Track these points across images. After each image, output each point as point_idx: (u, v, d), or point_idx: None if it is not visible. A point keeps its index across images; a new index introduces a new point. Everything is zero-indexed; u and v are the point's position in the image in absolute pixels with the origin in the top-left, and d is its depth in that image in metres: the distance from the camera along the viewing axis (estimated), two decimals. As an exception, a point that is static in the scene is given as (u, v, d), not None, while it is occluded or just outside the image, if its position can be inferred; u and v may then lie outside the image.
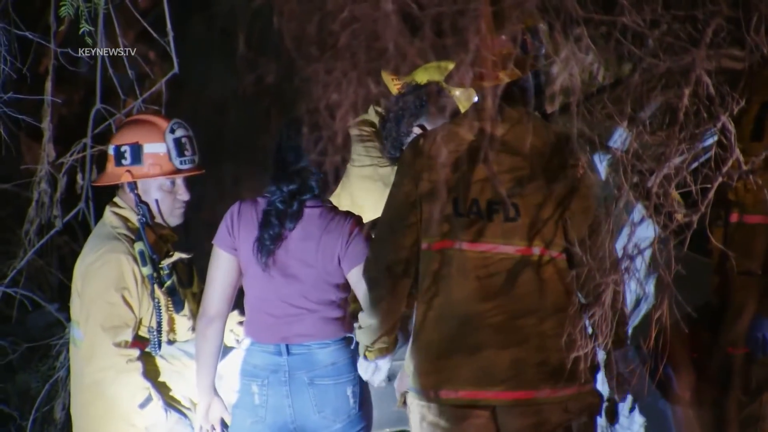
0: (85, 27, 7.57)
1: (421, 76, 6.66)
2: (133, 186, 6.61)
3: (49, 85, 8.66)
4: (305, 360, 6.35)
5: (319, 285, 6.36)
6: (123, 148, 6.64)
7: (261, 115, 7.60)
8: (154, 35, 7.79)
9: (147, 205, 6.61)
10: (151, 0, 8.24)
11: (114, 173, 6.65)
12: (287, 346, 6.33)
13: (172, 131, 6.64)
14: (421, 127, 6.31)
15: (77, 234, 8.58)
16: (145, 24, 7.93)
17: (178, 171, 6.63)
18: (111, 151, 6.70)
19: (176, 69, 7.67)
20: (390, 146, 6.77)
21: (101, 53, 7.78)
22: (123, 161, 6.62)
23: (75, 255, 6.90)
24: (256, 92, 7.77)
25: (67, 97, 9.20)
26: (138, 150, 6.61)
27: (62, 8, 7.54)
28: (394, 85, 6.70)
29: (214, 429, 6.46)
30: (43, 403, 8.42)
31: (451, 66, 6.19)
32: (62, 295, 7.86)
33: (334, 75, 6.09)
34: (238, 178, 7.03)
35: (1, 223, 9.53)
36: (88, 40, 7.67)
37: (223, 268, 6.33)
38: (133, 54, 8.07)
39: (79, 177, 8.34)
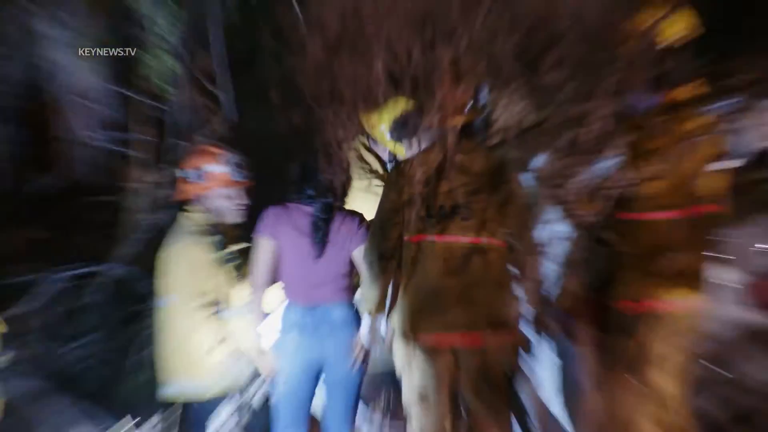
0: (164, 86, 7.60)
1: (384, 116, 6.64)
2: (201, 197, 6.52)
3: (139, 127, 8.60)
4: (325, 317, 6.32)
5: (336, 263, 6.34)
6: (190, 171, 6.56)
7: (289, 146, 7.59)
8: (213, 90, 7.72)
9: (212, 211, 6.52)
10: (210, 66, 8.19)
11: (186, 189, 6.57)
12: (313, 307, 6.31)
13: (226, 155, 6.58)
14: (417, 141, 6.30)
15: (162, 231, 8.52)
16: (207, 83, 7.88)
17: (232, 182, 6.54)
18: (182, 174, 6.61)
19: (228, 114, 7.61)
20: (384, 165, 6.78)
21: (176, 103, 7.75)
22: (191, 180, 6.54)
23: (157, 247, 6.85)
24: (286, 130, 7.75)
25: (152, 135, 9.10)
26: (200, 171, 6.52)
27: (150, 73, 7.57)
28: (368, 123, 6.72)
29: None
30: (138, 350, 8.35)
31: (405, 102, 6.24)
32: (151, 274, 7.76)
33: (340, 117, 6.12)
34: (273, 192, 7.02)
35: (107, 223, 9.44)
36: (166, 95, 7.65)
37: (265, 253, 6.31)
38: (198, 102, 8.04)
39: (161, 190, 8.26)
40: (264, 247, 6.31)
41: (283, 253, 6.34)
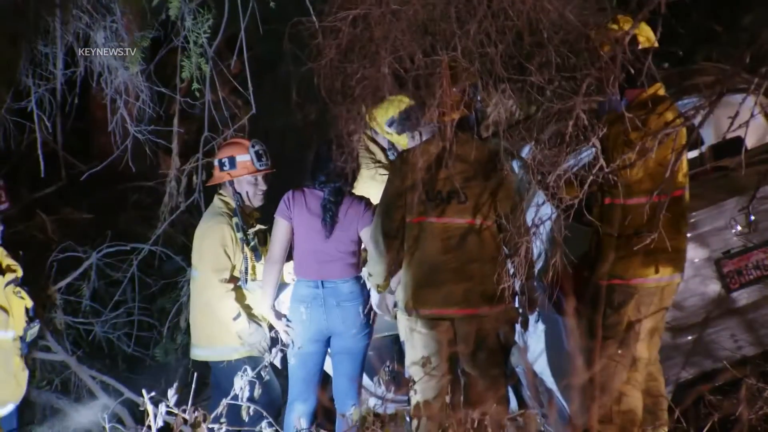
0: (196, 86, 7.60)
1: (383, 112, 6.67)
2: (231, 183, 6.67)
3: (175, 121, 8.69)
4: (334, 290, 6.42)
5: (345, 241, 6.43)
6: (223, 160, 6.68)
7: (307, 139, 7.60)
8: (240, 89, 7.76)
9: (240, 194, 6.65)
10: (238, 67, 8.17)
11: (219, 176, 6.70)
12: (322, 281, 6.41)
13: (253, 146, 6.68)
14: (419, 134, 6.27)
15: (193, 213, 8.57)
16: (235, 83, 7.91)
17: (257, 170, 6.67)
18: (216, 162, 6.74)
19: (254, 110, 7.66)
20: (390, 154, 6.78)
21: (207, 100, 7.76)
22: (224, 168, 6.67)
23: (193, 226, 6.93)
24: (304, 124, 7.78)
25: (186, 128, 9.15)
26: (233, 160, 6.66)
27: (183, 73, 7.56)
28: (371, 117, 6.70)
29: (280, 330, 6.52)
30: (173, 316, 8.44)
31: (404, 99, 6.33)
32: (185, 251, 7.88)
33: (351, 113, 6.13)
34: (292, 179, 7.04)
35: (147, 207, 9.52)
36: (198, 94, 7.68)
37: (282, 231, 6.42)
38: (227, 100, 8.03)
39: (194, 177, 8.35)
40: (281, 227, 6.42)
41: (296, 232, 6.44)
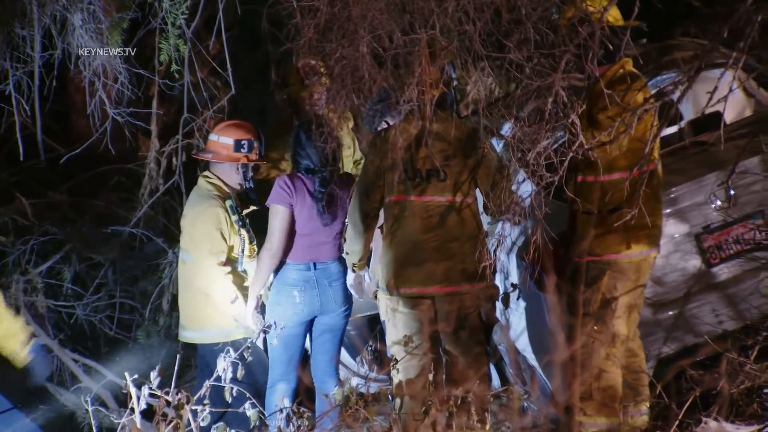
0: (175, 67, 7.54)
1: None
2: (219, 164, 6.59)
3: (154, 103, 8.67)
4: (325, 272, 6.42)
5: (336, 224, 6.41)
6: (242, 142, 6.59)
7: (287, 117, 7.55)
8: (219, 70, 7.72)
9: (238, 176, 6.61)
10: (217, 48, 8.14)
11: (234, 156, 6.58)
12: (315, 263, 6.39)
13: (241, 130, 6.61)
14: (386, 122, 6.25)
15: (174, 195, 8.56)
16: (214, 64, 7.87)
17: (261, 158, 6.66)
18: (229, 141, 6.60)
19: (233, 91, 7.60)
20: (368, 126, 6.68)
21: (186, 81, 7.73)
22: (242, 149, 6.57)
23: (173, 208, 6.93)
24: (283, 103, 7.74)
25: (165, 110, 9.14)
26: (252, 144, 6.58)
27: (161, 55, 7.51)
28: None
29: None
30: (155, 299, 8.44)
31: None
32: (166, 232, 7.88)
33: (331, 93, 6.11)
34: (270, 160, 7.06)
35: (127, 189, 9.49)
36: (177, 75, 7.63)
37: (285, 219, 6.30)
38: (206, 81, 8.01)
39: (174, 159, 8.33)
40: (282, 214, 6.31)
41: (297, 219, 6.35)
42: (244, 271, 6.61)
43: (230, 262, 6.52)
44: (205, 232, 6.44)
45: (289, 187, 6.30)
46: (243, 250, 6.56)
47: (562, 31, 5.38)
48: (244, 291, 6.51)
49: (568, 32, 5.34)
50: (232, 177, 6.60)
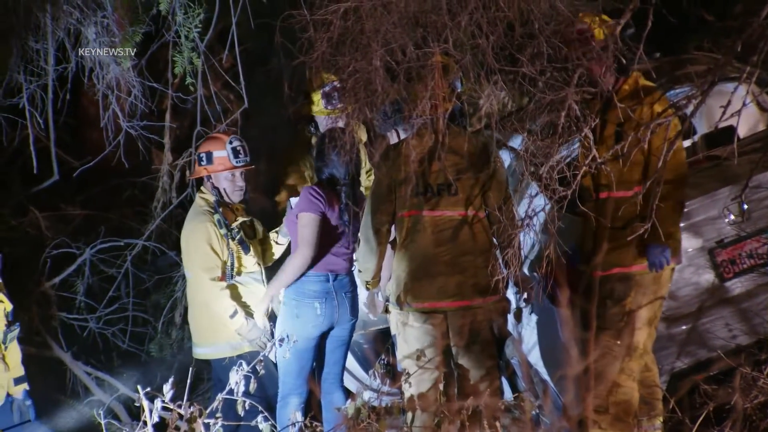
0: (189, 80, 7.57)
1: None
2: (209, 178, 6.64)
3: (167, 116, 8.68)
4: (341, 283, 6.45)
5: (349, 237, 6.42)
6: (201, 155, 6.67)
7: (302, 136, 7.53)
8: (232, 83, 7.73)
9: (218, 189, 6.64)
10: (230, 61, 8.15)
11: (197, 171, 6.69)
12: (335, 275, 6.42)
13: (231, 142, 6.63)
14: (396, 131, 6.21)
15: (187, 208, 8.56)
16: (227, 77, 7.88)
17: (234, 167, 6.62)
18: (195, 157, 6.77)
19: (246, 104, 7.62)
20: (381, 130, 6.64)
21: (199, 95, 7.74)
22: (202, 163, 6.65)
23: (181, 223, 6.93)
24: (296, 118, 7.73)
25: (179, 123, 9.14)
26: (210, 155, 6.62)
27: (176, 68, 7.56)
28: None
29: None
30: (167, 312, 8.44)
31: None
32: (179, 246, 7.87)
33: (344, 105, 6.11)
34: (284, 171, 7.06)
35: (140, 201, 9.51)
36: (191, 88, 7.65)
37: (318, 227, 6.27)
38: (219, 94, 8.02)
39: (187, 173, 8.33)
40: (315, 222, 6.28)
41: (324, 229, 6.33)
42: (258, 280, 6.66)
43: (224, 277, 6.56)
44: (196, 248, 6.51)
45: (320, 195, 6.30)
46: (232, 264, 6.57)
47: (575, 44, 5.37)
48: (243, 305, 6.54)
49: (581, 45, 5.34)
50: (209, 191, 6.69)
